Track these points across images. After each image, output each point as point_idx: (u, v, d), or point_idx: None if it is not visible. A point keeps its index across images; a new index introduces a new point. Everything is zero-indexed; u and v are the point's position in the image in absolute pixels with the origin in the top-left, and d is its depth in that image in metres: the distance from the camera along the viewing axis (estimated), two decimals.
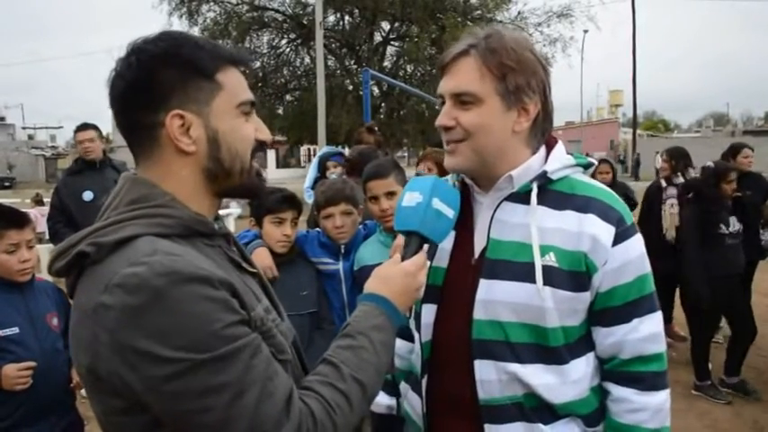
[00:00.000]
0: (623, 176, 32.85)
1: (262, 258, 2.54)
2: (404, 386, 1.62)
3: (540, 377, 1.33)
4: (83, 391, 2.68)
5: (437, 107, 1.41)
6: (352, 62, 21.14)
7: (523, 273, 1.31)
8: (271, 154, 43.42)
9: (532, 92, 1.32)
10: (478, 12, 19.97)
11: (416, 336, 1.50)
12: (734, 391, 4.55)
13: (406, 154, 24.39)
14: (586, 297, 1.34)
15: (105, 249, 0.97)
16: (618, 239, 1.32)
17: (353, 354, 1.08)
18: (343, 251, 2.70)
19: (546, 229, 1.33)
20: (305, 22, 20.14)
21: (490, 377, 1.34)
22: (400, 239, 1.36)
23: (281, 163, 46.21)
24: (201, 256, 1.01)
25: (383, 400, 1.71)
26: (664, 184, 5.21)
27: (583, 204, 1.34)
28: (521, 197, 1.36)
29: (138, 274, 0.91)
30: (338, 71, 21.08)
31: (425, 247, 1.31)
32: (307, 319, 2.60)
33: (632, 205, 5.58)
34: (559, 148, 1.43)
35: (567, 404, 1.35)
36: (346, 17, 21.29)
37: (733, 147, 5.54)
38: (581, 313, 1.36)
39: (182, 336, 0.90)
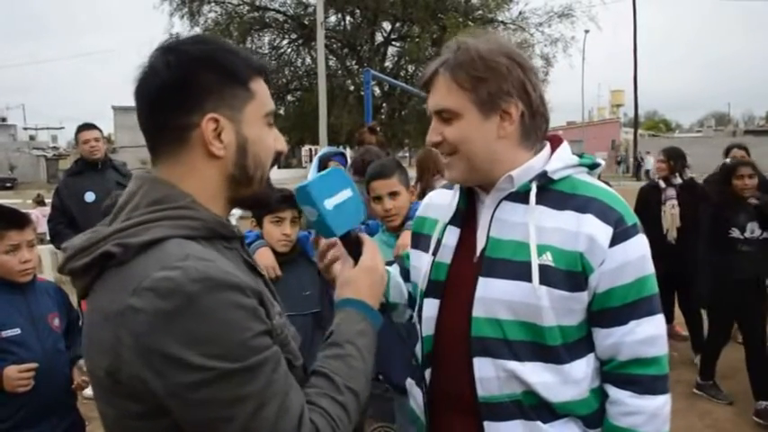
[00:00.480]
0: (624, 177, 32.82)
1: (264, 258, 2.55)
2: (409, 381, 1.63)
3: (538, 375, 1.33)
4: (84, 392, 2.69)
5: (425, 107, 1.44)
6: (354, 62, 21.13)
7: (521, 271, 1.32)
8: None
9: (508, 95, 1.33)
10: (479, 12, 19.96)
11: (418, 329, 1.51)
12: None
13: (407, 154, 24.38)
14: (583, 297, 1.33)
15: (132, 251, 0.95)
16: (616, 240, 1.32)
17: (343, 363, 1.08)
18: None
19: (544, 229, 1.33)
20: (306, 23, 20.13)
21: (489, 374, 1.35)
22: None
23: (282, 163, 46.20)
24: (226, 260, 1.01)
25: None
26: (662, 184, 5.19)
27: (582, 204, 1.34)
28: (520, 196, 1.37)
29: (173, 278, 0.90)
30: (339, 71, 21.08)
31: (360, 229, 1.27)
32: (309, 319, 2.61)
33: None
34: (564, 148, 1.43)
35: (565, 404, 1.35)
36: (347, 17, 21.28)
37: (726, 147, 5.58)
38: (578, 313, 1.35)
39: (213, 343, 0.90)
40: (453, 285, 1.43)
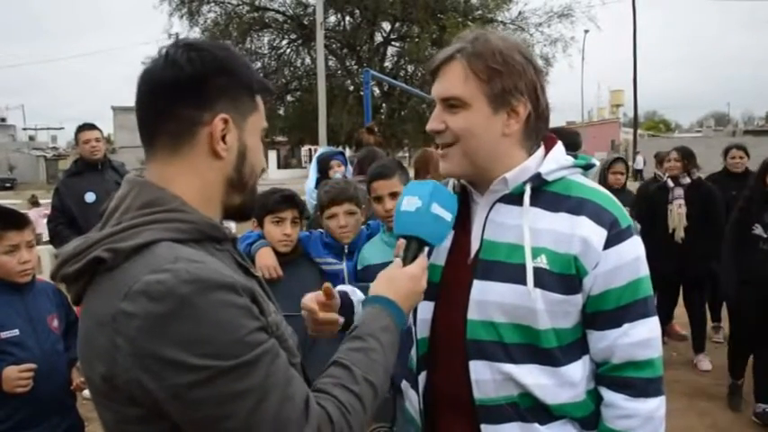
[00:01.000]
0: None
1: (265, 258, 2.55)
2: (404, 384, 1.62)
3: (534, 377, 1.33)
4: (84, 393, 2.69)
5: (425, 108, 1.43)
6: (353, 62, 21.13)
7: (515, 274, 1.31)
8: (272, 155, 43.43)
9: (521, 93, 1.32)
10: (479, 12, 19.95)
11: (413, 331, 1.50)
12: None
13: (407, 154, 24.37)
14: (578, 300, 1.33)
15: (122, 255, 0.96)
16: (610, 243, 1.31)
17: (365, 355, 1.11)
18: (346, 251, 2.71)
19: (539, 231, 1.32)
20: (306, 23, 20.13)
21: (485, 377, 1.35)
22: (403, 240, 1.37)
23: (282, 163, 46.25)
24: (217, 261, 1.01)
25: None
26: (671, 183, 5.15)
27: (576, 206, 1.34)
28: (514, 198, 1.36)
29: (163, 281, 0.90)
30: (339, 71, 21.08)
31: (425, 250, 1.33)
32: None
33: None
34: (558, 148, 1.42)
35: (561, 406, 1.35)
36: (347, 18, 21.28)
37: (725, 148, 5.55)
38: (573, 316, 1.35)
39: (208, 343, 0.90)
40: (448, 287, 1.42)
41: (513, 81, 1.31)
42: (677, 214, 5.02)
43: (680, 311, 5.51)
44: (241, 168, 1.10)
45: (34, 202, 12.69)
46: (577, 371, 1.36)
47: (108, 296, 0.94)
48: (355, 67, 20.66)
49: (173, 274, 0.91)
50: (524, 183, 1.35)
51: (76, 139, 4.98)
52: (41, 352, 2.38)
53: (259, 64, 20.40)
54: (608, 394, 1.37)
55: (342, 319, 1.43)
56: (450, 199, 1.36)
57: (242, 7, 20.67)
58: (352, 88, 20.70)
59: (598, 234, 1.31)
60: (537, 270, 1.30)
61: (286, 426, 0.95)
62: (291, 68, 21.69)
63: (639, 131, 42.79)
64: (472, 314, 1.35)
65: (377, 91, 19.35)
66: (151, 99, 1.06)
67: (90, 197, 4.69)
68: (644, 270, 1.36)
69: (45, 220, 5.03)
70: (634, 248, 1.35)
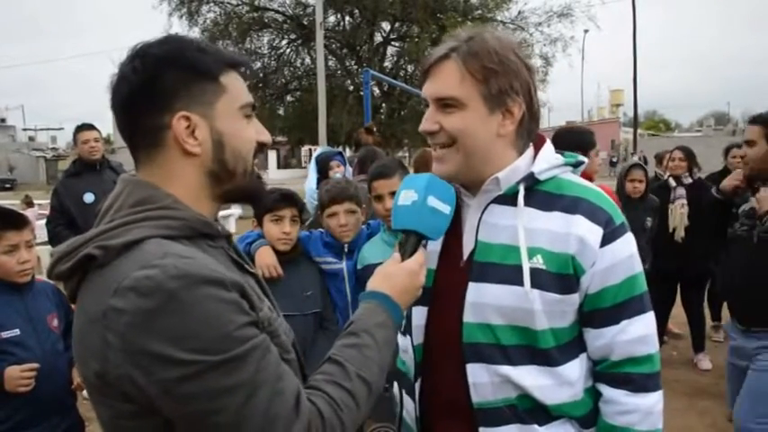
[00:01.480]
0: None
1: (265, 257, 2.55)
2: (398, 389, 1.61)
3: (532, 378, 1.33)
4: (83, 393, 2.69)
5: (423, 108, 1.41)
6: (353, 62, 21.12)
7: (511, 275, 1.30)
8: (272, 155, 43.45)
9: (516, 94, 1.31)
10: (479, 12, 19.94)
11: (407, 338, 1.49)
12: None
13: (407, 154, 24.38)
14: (575, 299, 1.33)
15: (113, 252, 0.96)
16: (606, 240, 1.31)
17: (358, 352, 1.10)
18: (346, 250, 2.72)
19: (533, 231, 1.32)
20: (305, 23, 20.12)
21: (483, 380, 1.34)
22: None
23: (282, 163, 46.24)
24: (209, 257, 1.01)
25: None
26: (673, 183, 5.13)
27: (570, 205, 1.33)
28: (508, 199, 1.35)
29: (152, 276, 0.91)
30: (339, 71, 21.07)
31: (425, 244, 1.31)
32: (311, 319, 2.60)
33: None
34: (547, 147, 1.41)
35: (560, 405, 1.35)
36: (347, 17, 21.27)
37: (726, 147, 5.53)
38: (570, 315, 1.35)
39: (196, 338, 0.90)
40: (441, 291, 1.41)
41: (509, 81, 1.30)
42: (679, 214, 5.01)
43: (676, 311, 5.51)
44: (221, 157, 1.07)
45: (28, 203, 12.62)
46: (575, 370, 1.36)
47: (99, 293, 0.94)
48: (355, 66, 20.65)
49: (161, 269, 0.91)
50: (517, 183, 1.34)
51: (75, 139, 4.97)
52: (42, 352, 2.39)
53: (259, 64, 20.39)
54: (608, 390, 1.37)
55: None
56: (447, 191, 1.33)
57: (241, 7, 20.66)
58: (351, 88, 20.69)
59: (594, 232, 1.31)
60: (533, 270, 1.29)
61: (276, 421, 0.95)
62: (291, 68, 21.69)
63: (639, 131, 42.77)
64: (468, 317, 1.35)
65: (377, 91, 19.35)
66: (118, 119, 1.07)
67: (89, 198, 4.69)
68: (638, 266, 1.37)
69: (40, 221, 4.99)
70: (628, 245, 1.35)
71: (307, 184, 4.83)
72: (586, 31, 27.75)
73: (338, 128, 17.95)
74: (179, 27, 19.76)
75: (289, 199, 2.63)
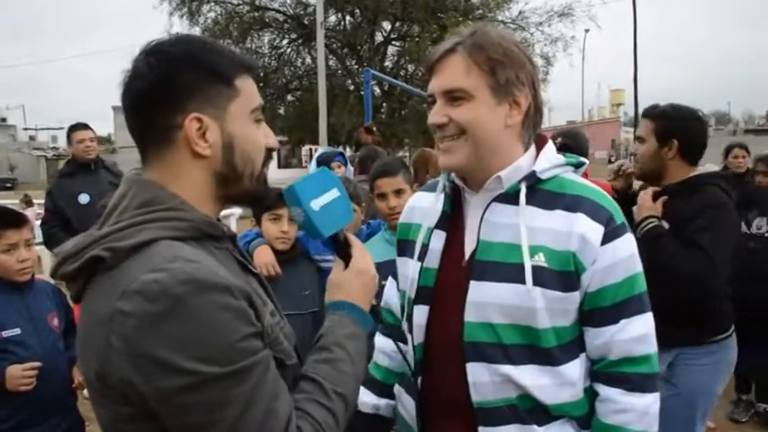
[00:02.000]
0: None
1: (263, 256, 2.55)
2: (398, 388, 1.61)
3: (533, 378, 1.32)
4: (84, 392, 2.69)
5: (425, 107, 1.40)
6: (354, 62, 21.14)
7: (513, 274, 1.31)
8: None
9: (522, 84, 1.33)
10: (479, 11, 19.96)
11: (409, 337, 1.49)
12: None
13: (407, 154, 24.40)
14: (576, 297, 1.33)
15: (121, 254, 0.95)
16: (607, 239, 1.32)
17: (332, 367, 1.08)
18: None
19: (535, 229, 1.32)
20: (306, 23, 20.15)
21: (483, 379, 1.34)
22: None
23: (283, 163, 46.26)
24: (215, 261, 1.00)
25: (370, 400, 1.70)
26: None
27: (572, 203, 1.34)
28: (510, 198, 1.36)
29: (159, 280, 0.90)
30: (339, 71, 21.09)
31: (346, 230, 1.26)
32: (309, 318, 2.60)
33: None
34: (549, 147, 1.42)
35: (560, 405, 1.35)
36: (347, 17, 21.28)
37: (726, 147, 5.49)
38: (572, 313, 1.35)
39: (200, 346, 0.90)
40: (443, 290, 1.41)
41: (515, 72, 1.32)
42: None
43: None
44: (231, 160, 1.06)
45: (27, 202, 12.58)
46: (576, 369, 1.36)
47: (106, 295, 0.94)
48: (356, 66, 20.67)
49: (169, 273, 0.90)
50: (519, 181, 1.35)
51: (69, 138, 4.87)
52: (42, 351, 2.39)
53: (259, 63, 20.35)
54: (604, 389, 1.37)
55: None
56: (320, 179, 1.22)
57: (242, 7, 20.69)
58: (352, 88, 20.71)
59: (595, 230, 1.31)
60: (535, 268, 1.29)
61: None
62: (292, 68, 21.71)
63: None
64: (469, 316, 1.35)
65: (377, 90, 19.37)
66: (129, 116, 1.06)
67: (84, 198, 4.60)
68: (639, 266, 1.37)
69: (39, 220, 4.91)
70: (629, 244, 1.36)
71: None
72: (587, 30, 27.72)
73: (339, 127, 17.97)
74: (179, 27, 19.80)
75: None
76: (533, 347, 1.33)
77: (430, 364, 1.44)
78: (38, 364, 2.31)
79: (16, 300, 2.41)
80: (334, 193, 1.22)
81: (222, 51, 1.07)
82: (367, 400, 1.70)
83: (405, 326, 1.52)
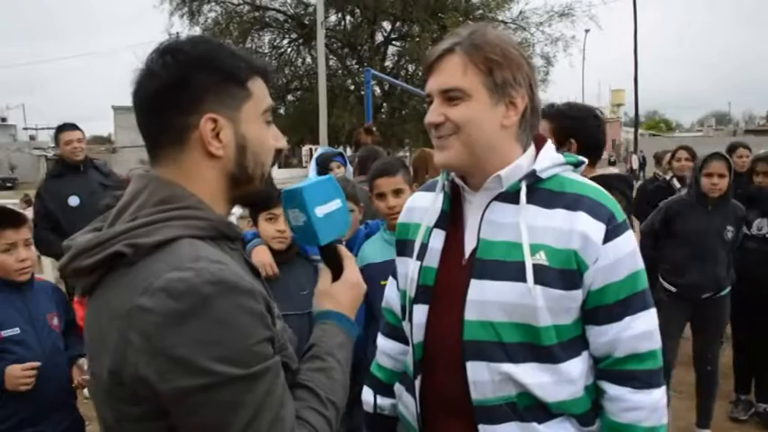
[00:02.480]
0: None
1: (261, 256, 2.55)
2: (398, 387, 1.61)
3: (533, 376, 1.33)
4: (84, 391, 2.69)
5: (426, 107, 1.41)
6: (354, 62, 21.14)
7: (514, 272, 1.31)
8: None
9: (519, 86, 1.34)
10: (480, 11, 19.97)
11: (410, 337, 1.50)
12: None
13: (407, 154, 24.41)
14: (578, 295, 1.34)
15: (143, 251, 0.95)
16: (609, 236, 1.32)
17: (325, 376, 1.10)
18: None
19: (536, 228, 1.33)
20: (306, 22, 20.14)
21: (483, 378, 1.34)
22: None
23: (283, 163, 46.27)
24: (235, 263, 1.01)
25: (373, 401, 1.70)
26: (677, 184, 5.02)
27: (573, 202, 1.35)
28: (510, 197, 1.36)
29: (186, 279, 0.90)
30: (340, 71, 21.09)
31: (341, 242, 1.28)
32: (306, 318, 2.60)
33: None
34: (549, 146, 1.43)
35: (561, 403, 1.35)
36: (347, 17, 21.29)
37: (730, 146, 5.41)
38: (573, 312, 1.35)
39: (221, 347, 0.90)
40: (442, 289, 1.42)
41: (512, 73, 1.32)
42: None
43: None
44: (243, 162, 1.08)
45: (27, 201, 12.57)
46: (576, 367, 1.36)
47: (125, 291, 0.93)
48: (356, 66, 20.67)
49: (195, 273, 0.91)
50: (519, 180, 1.35)
51: (57, 140, 4.78)
52: (42, 350, 2.39)
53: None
54: (612, 388, 1.37)
55: None
56: (325, 187, 1.23)
57: (242, 6, 20.69)
58: (352, 88, 20.72)
59: (597, 228, 1.32)
60: (536, 267, 1.30)
61: None
62: (292, 68, 21.72)
63: (640, 131, 42.73)
64: (469, 315, 1.35)
65: (378, 90, 19.38)
66: (142, 115, 1.06)
67: (74, 201, 4.55)
68: (640, 263, 1.38)
69: None
70: (630, 242, 1.37)
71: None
72: (587, 30, 27.66)
73: (339, 127, 17.97)
74: (180, 26, 19.80)
75: None
76: (533, 345, 1.33)
77: (430, 363, 1.44)
78: (37, 363, 2.31)
79: (16, 299, 2.41)
80: (337, 203, 1.23)
81: (237, 54, 1.08)
82: (371, 400, 1.70)
83: (406, 326, 1.52)
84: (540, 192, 1.37)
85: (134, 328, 0.90)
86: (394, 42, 21.60)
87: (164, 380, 0.90)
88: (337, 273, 1.24)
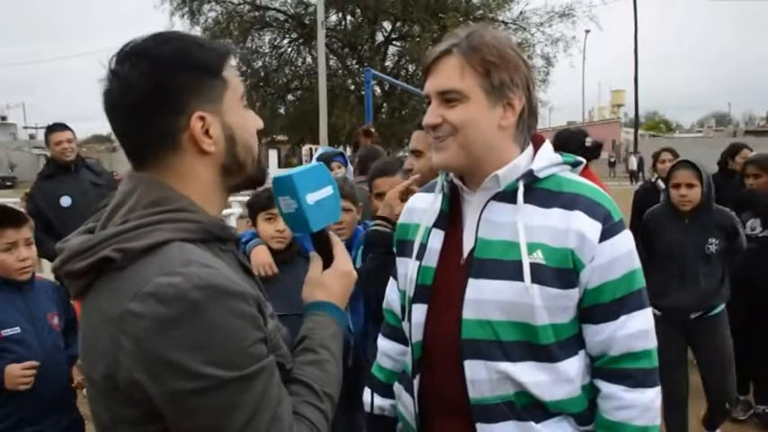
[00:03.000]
0: (620, 178, 32.70)
1: (261, 256, 2.55)
2: (397, 387, 1.62)
3: (531, 375, 1.33)
4: (84, 391, 2.69)
5: (425, 106, 1.42)
6: (354, 62, 21.17)
7: (511, 271, 1.32)
8: (272, 154, 43.40)
9: (516, 87, 1.34)
10: (480, 11, 20.01)
11: (409, 336, 1.50)
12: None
13: (407, 154, 24.45)
14: (575, 294, 1.34)
15: (132, 255, 0.94)
16: (605, 236, 1.33)
17: (319, 369, 1.10)
18: None
19: (533, 227, 1.33)
20: (306, 22, 20.18)
21: (481, 377, 1.35)
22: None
23: (283, 163, 46.29)
24: (226, 266, 1.00)
25: (374, 401, 1.70)
26: (662, 185, 4.94)
27: (569, 201, 1.35)
28: (507, 196, 1.37)
29: (175, 284, 0.89)
30: (340, 71, 21.13)
31: (329, 229, 1.27)
32: None
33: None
34: (547, 146, 1.43)
35: (558, 402, 1.36)
36: (348, 17, 21.33)
37: (732, 146, 5.37)
38: (570, 310, 1.36)
39: (213, 351, 0.90)
40: (441, 289, 1.42)
41: (509, 74, 1.33)
42: None
43: None
44: (234, 152, 1.07)
45: (27, 200, 12.58)
46: (574, 366, 1.37)
47: (116, 295, 0.93)
48: (356, 66, 20.70)
49: (185, 277, 0.90)
50: (517, 180, 1.36)
51: (47, 140, 4.72)
52: (42, 349, 2.39)
53: (260, 63, 20.45)
54: (606, 386, 1.38)
55: None
56: (316, 174, 1.22)
57: (243, 6, 20.73)
58: (353, 88, 20.76)
59: (593, 228, 1.32)
60: (533, 266, 1.30)
61: None
62: (292, 68, 21.76)
63: (640, 132, 42.77)
64: (467, 313, 1.35)
65: (378, 90, 19.41)
66: (124, 125, 1.03)
67: (66, 201, 4.52)
68: (637, 262, 1.39)
69: None
70: (627, 241, 1.37)
71: None
72: (588, 31, 27.67)
73: (339, 127, 18.00)
74: (180, 26, 19.86)
75: None
76: (531, 344, 1.33)
77: (428, 362, 1.45)
78: (36, 363, 2.31)
79: (16, 299, 2.41)
80: (328, 190, 1.22)
81: (205, 44, 1.06)
82: (371, 401, 1.71)
83: (405, 325, 1.53)
84: (538, 191, 1.37)
85: (125, 332, 0.90)
86: (394, 42, 21.63)
87: (157, 384, 0.89)
88: (328, 261, 1.24)
